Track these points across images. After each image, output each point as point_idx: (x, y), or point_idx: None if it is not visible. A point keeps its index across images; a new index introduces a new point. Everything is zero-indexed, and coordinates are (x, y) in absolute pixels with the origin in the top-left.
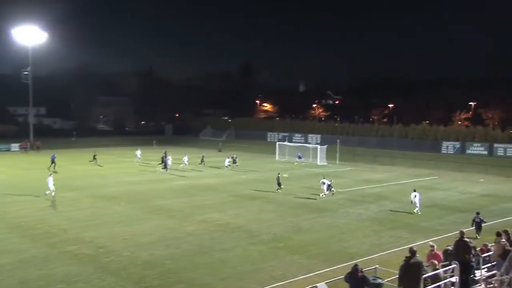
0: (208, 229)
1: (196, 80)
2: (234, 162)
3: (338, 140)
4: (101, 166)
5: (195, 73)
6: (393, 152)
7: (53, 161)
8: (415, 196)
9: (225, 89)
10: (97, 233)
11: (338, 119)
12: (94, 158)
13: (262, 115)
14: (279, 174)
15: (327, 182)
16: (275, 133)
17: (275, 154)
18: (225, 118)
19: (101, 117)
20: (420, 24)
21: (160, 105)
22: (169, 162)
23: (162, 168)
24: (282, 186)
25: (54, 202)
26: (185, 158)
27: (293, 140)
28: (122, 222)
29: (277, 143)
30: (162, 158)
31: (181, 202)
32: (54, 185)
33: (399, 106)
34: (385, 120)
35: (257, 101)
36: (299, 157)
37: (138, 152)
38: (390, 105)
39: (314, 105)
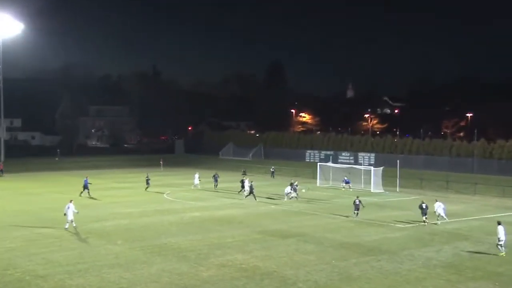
0: (230, 275)
1: (212, 85)
2: (295, 190)
3: (398, 161)
4: (94, 198)
5: (212, 76)
6: (472, 177)
7: (85, 187)
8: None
9: (250, 96)
10: (85, 281)
11: (398, 133)
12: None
13: (299, 128)
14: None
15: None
16: (316, 151)
17: (315, 178)
18: (251, 132)
19: (93, 131)
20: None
21: (168, 116)
22: (196, 181)
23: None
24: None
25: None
26: (216, 176)
27: (339, 160)
28: (119, 265)
29: (318, 164)
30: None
31: (194, 240)
32: (73, 214)
33: (481, 116)
34: (461, 134)
35: (292, 111)
36: (346, 182)
37: (196, 176)
38: (468, 115)
39: (367, 115)
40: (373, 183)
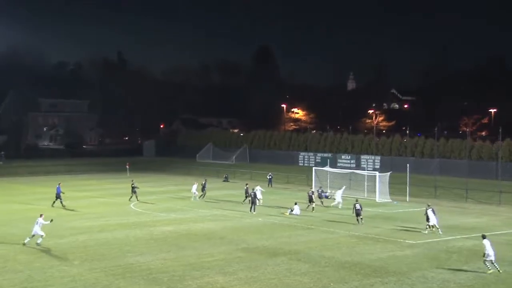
0: None
1: (188, 75)
2: (320, 196)
3: (408, 165)
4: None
5: (189, 64)
6: (497, 183)
7: (58, 196)
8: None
9: (233, 88)
10: None
11: (408, 131)
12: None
13: (291, 127)
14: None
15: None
16: (311, 153)
17: (310, 185)
18: (235, 131)
19: (45, 129)
20: None
21: (136, 112)
22: (194, 190)
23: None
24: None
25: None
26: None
27: (339, 164)
28: None
29: (314, 168)
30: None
31: (167, 259)
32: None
33: (507, 112)
34: (483, 133)
35: (283, 106)
36: (324, 196)
37: (194, 187)
38: (492, 110)
39: (371, 111)
40: (379, 191)
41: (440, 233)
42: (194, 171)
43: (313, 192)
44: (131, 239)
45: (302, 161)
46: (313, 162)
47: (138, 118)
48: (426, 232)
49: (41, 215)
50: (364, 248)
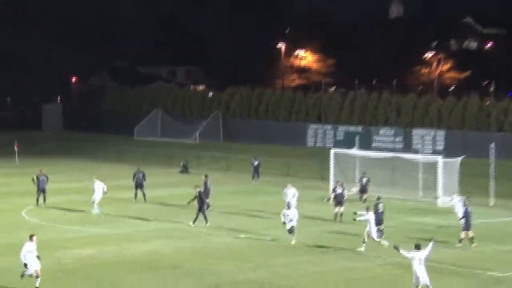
0: None
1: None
2: (342, 192)
3: (492, 145)
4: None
5: None
6: None
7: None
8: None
9: (194, 18)
10: None
11: (493, 88)
12: None
13: (294, 82)
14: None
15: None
16: (329, 126)
17: (326, 179)
18: (199, 88)
19: None
20: None
21: (33, 57)
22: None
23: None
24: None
25: None
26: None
27: (374, 144)
28: None
29: (333, 151)
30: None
31: None
32: None
33: None
34: None
35: (281, 46)
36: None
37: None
38: None
39: (429, 54)
40: (442, 187)
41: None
42: (130, 156)
43: (342, 187)
44: (20, 271)
45: (313, 139)
46: (332, 141)
47: (38, 67)
48: None
49: (31, 237)
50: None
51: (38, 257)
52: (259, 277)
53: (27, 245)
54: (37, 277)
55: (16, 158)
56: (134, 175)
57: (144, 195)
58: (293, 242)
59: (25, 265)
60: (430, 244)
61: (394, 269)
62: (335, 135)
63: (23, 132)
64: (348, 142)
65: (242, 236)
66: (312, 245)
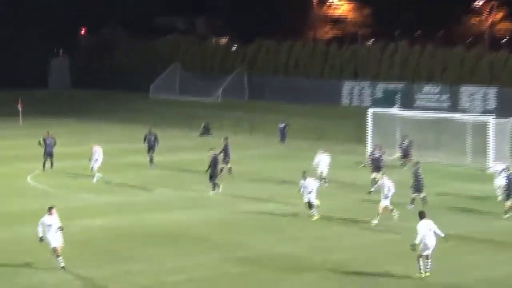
0: None
1: None
2: (380, 157)
3: None
4: None
5: None
6: None
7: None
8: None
9: None
10: None
11: None
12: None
13: (327, 34)
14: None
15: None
16: (366, 83)
17: (362, 142)
18: (221, 40)
19: None
20: None
21: (37, 9)
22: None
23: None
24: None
25: None
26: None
27: (417, 103)
28: None
29: (371, 110)
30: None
31: (102, 277)
32: None
33: None
34: None
35: None
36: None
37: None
38: None
39: (479, 2)
40: (493, 151)
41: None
42: (145, 116)
43: (380, 151)
44: (25, 241)
45: (349, 98)
46: (369, 99)
47: (43, 18)
48: None
49: (50, 210)
50: (464, 259)
51: (61, 228)
52: (294, 250)
53: (46, 219)
54: (57, 256)
55: (20, 118)
56: (145, 138)
57: (151, 159)
58: (314, 218)
59: (41, 239)
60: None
61: (440, 242)
62: (373, 93)
63: (27, 91)
64: (387, 101)
65: (271, 205)
66: (348, 215)
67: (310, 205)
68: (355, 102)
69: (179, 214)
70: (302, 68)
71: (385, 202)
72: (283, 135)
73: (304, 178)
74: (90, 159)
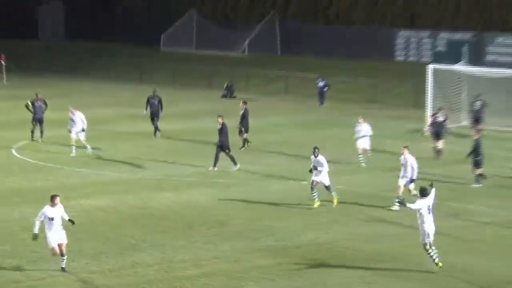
0: None
1: None
2: (443, 122)
3: None
4: None
5: None
6: None
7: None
8: None
9: None
10: None
11: None
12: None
13: None
14: None
15: None
16: (425, 32)
17: (419, 106)
18: None
19: None
20: None
21: None
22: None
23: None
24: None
25: None
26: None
27: (487, 58)
28: None
29: (431, 66)
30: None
31: (95, 271)
32: None
33: None
34: None
35: None
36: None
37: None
38: None
39: None
40: None
41: None
42: (155, 74)
43: (444, 115)
44: (11, 227)
45: (404, 51)
46: (429, 53)
47: None
48: None
49: (53, 199)
50: None
51: (71, 221)
52: (329, 238)
53: (48, 210)
54: (61, 255)
55: (4, 76)
56: (148, 101)
57: (156, 128)
58: (316, 204)
59: (35, 236)
60: (432, 191)
61: (502, 230)
62: (433, 45)
63: (12, 42)
64: (452, 55)
65: (305, 182)
66: (402, 194)
67: (327, 188)
68: (412, 57)
69: (193, 194)
70: (346, 14)
71: (403, 182)
72: (322, 97)
73: (316, 154)
74: (69, 129)
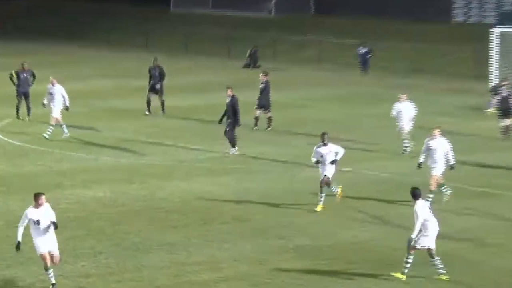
0: None
1: None
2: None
3: None
4: None
5: None
6: None
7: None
8: None
9: None
10: None
11: None
12: None
13: None
14: None
15: None
16: None
17: (483, 76)
18: None
19: None
20: None
21: None
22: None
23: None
24: None
25: None
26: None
27: None
28: None
29: (496, 30)
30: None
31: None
32: None
33: None
34: None
35: None
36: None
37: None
38: None
39: None
40: None
41: None
42: (165, 40)
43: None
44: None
45: (463, 12)
46: (492, 14)
47: None
48: None
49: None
50: None
51: (54, 223)
52: (368, 237)
53: (32, 212)
54: (46, 267)
55: None
56: (149, 72)
57: (162, 104)
58: (338, 198)
59: (18, 245)
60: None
61: None
62: (499, 4)
63: None
64: None
65: (345, 169)
66: (465, 183)
67: (327, 183)
68: (473, 18)
69: (208, 184)
70: None
71: (439, 172)
72: (364, 64)
73: (324, 143)
74: (44, 103)
